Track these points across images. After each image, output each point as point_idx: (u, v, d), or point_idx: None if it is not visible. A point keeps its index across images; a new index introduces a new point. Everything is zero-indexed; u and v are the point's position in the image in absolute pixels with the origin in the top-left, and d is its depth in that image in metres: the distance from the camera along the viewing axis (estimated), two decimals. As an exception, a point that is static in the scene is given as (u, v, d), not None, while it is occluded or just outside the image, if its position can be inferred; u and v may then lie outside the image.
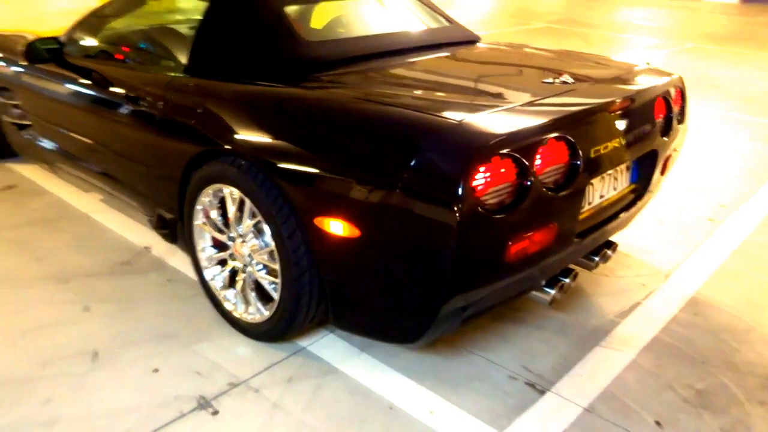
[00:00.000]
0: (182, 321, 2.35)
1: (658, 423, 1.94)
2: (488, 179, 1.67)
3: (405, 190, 1.68)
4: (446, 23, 2.95)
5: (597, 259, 2.32)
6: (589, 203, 2.10)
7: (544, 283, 2.09)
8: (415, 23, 2.85)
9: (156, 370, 2.09)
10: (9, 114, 3.41)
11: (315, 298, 2.00)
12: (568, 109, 1.95)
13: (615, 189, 2.24)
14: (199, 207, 2.26)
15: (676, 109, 2.48)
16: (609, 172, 2.14)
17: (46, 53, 2.80)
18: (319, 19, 2.86)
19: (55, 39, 2.86)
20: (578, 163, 1.90)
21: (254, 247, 2.12)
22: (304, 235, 1.92)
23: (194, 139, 2.19)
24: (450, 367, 2.15)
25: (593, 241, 2.22)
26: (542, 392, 2.05)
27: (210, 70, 2.32)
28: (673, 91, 2.47)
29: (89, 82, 2.71)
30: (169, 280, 2.62)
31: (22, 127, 3.36)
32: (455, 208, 1.61)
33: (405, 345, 2.21)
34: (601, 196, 2.16)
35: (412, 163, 1.68)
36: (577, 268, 2.28)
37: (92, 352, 2.17)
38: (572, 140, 1.88)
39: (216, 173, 2.12)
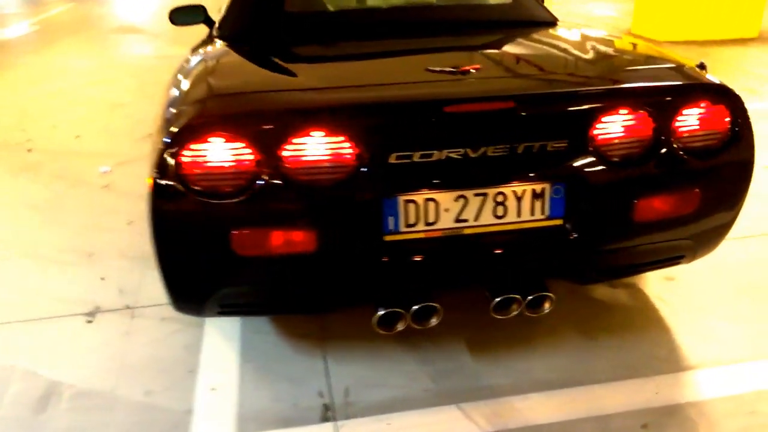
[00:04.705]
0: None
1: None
2: (203, 160, 1.58)
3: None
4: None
5: (498, 300, 1.80)
6: (428, 223, 1.70)
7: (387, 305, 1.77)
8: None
9: (103, 279, 2.55)
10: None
11: None
12: (360, 100, 1.63)
13: (498, 217, 1.72)
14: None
15: (698, 131, 1.75)
16: (482, 191, 1.68)
17: None
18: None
19: None
20: (364, 167, 1.59)
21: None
22: None
23: None
24: (295, 362, 2.03)
25: (463, 273, 1.79)
26: (327, 419, 1.80)
27: None
28: (695, 107, 1.74)
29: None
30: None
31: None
32: (152, 184, 1.59)
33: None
34: (460, 220, 1.71)
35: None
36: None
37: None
38: (359, 137, 1.58)
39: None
